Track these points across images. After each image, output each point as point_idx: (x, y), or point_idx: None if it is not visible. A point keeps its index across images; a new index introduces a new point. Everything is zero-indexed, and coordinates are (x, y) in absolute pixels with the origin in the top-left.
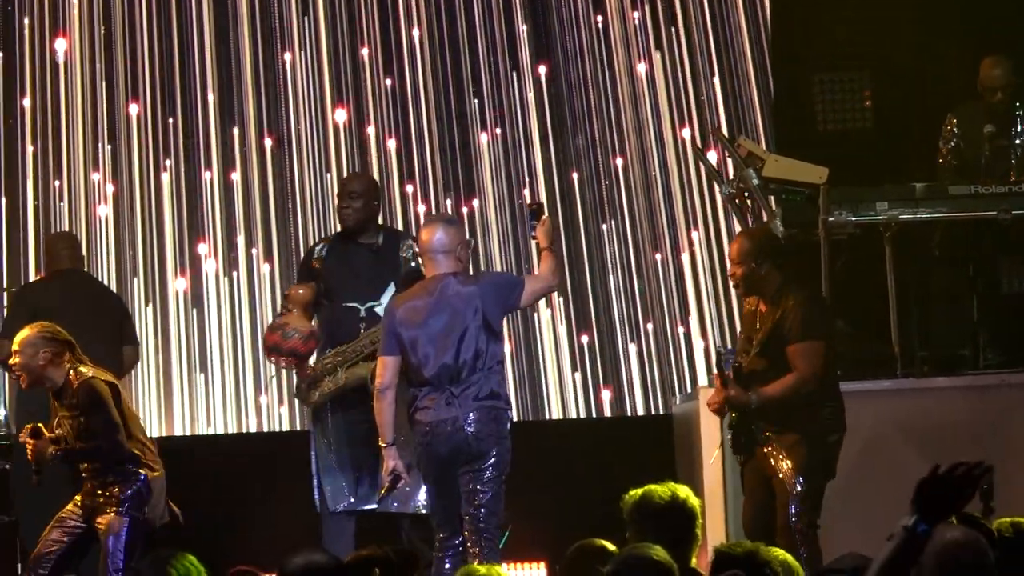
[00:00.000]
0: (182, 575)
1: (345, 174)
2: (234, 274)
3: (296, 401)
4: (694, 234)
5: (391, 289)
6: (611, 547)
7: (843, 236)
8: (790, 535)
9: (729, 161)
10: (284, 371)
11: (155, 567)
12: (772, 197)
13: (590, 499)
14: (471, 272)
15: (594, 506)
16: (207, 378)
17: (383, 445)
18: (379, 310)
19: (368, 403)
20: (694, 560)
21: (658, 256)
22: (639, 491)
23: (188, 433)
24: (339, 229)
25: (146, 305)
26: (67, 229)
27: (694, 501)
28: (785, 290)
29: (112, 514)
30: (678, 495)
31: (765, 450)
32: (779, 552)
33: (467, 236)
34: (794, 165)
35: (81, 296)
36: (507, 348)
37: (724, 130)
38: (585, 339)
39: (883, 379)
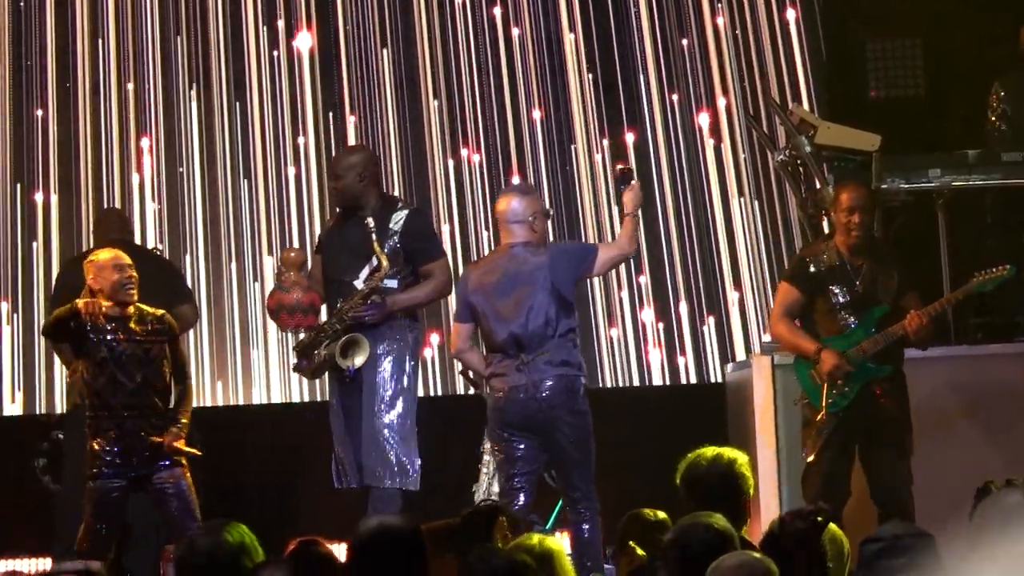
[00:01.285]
0: (236, 542)
1: None
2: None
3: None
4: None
5: (371, 264)
6: (663, 516)
7: (896, 203)
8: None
9: (781, 128)
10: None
11: (210, 535)
12: (824, 164)
13: (643, 468)
14: (551, 240)
15: (647, 475)
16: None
17: None
18: (357, 284)
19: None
20: (745, 529)
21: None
22: (690, 455)
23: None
24: None
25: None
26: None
27: (743, 463)
28: (879, 241)
29: (174, 466)
30: (723, 456)
31: (879, 391)
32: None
33: (545, 206)
34: (846, 132)
35: None
36: None
37: (776, 97)
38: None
39: (937, 346)
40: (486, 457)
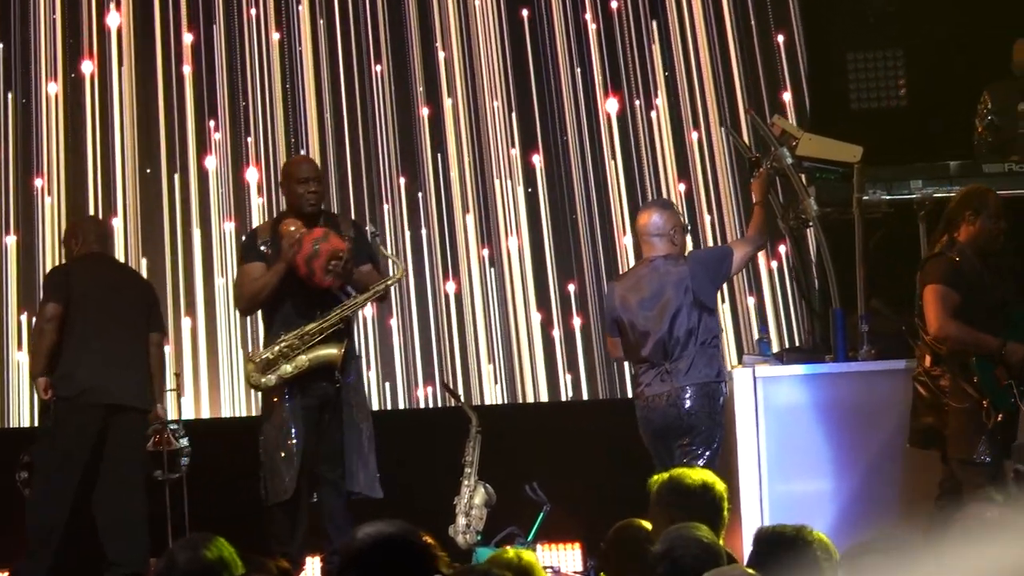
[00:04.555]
0: (215, 557)
1: None
2: None
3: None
4: None
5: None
6: (650, 527)
7: (877, 215)
8: None
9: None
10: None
11: (188, 550)
12: (805, 176)
13: (620, 480)
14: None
15: (625, 487)
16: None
17: None
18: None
19: (332, 388)
20: (721, 540)
21: None
22: (667, 473)
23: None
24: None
25: None
26: None
27: (721, 486)
28: None
29: None
30: (708, 479)
31: None
32: (819, 535)
33: (684, 221)
34: (828, 144)
35: (107, 282)
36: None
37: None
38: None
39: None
40: (467, 470)
